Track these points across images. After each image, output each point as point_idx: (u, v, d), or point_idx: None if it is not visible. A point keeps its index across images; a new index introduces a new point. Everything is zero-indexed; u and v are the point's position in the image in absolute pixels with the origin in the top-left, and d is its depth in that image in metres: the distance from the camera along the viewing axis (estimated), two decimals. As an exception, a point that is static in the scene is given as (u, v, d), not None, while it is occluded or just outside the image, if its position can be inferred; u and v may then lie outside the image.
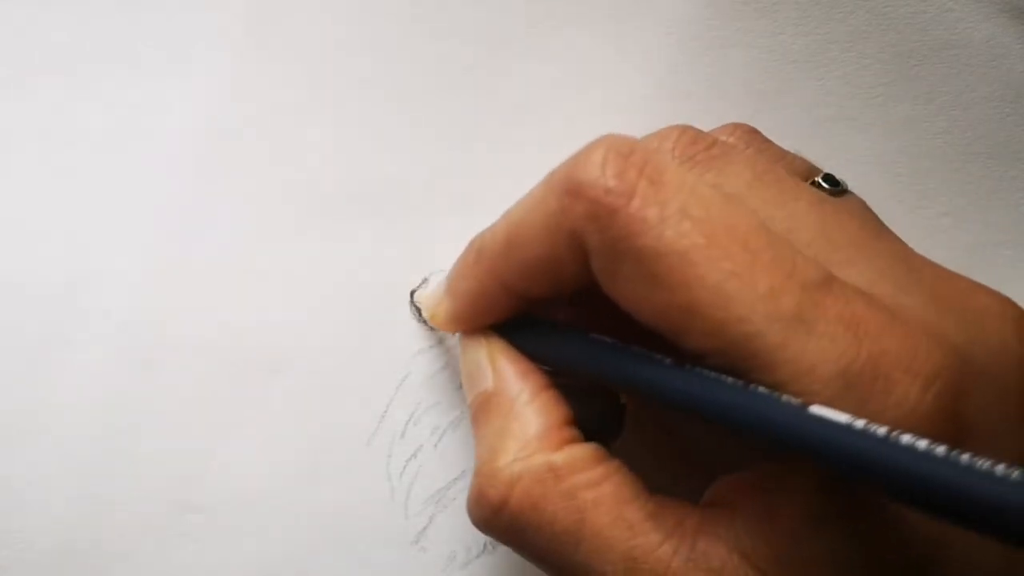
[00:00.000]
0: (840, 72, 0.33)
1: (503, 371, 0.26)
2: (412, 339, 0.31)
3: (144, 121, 0.31)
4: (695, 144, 0.26)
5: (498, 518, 0.24)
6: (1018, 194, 0.33)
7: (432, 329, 0.31)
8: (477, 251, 0.26)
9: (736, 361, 0.21)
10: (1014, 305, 0.24)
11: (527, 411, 0.25)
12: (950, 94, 0.33)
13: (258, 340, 0.31)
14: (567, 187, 0.22)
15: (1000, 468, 0.17)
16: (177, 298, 0.31)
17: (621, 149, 0.22)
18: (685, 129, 0.26)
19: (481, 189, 0.32)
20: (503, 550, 0.31)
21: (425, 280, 0.31)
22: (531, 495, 0.23)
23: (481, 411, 0.26)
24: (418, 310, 0.31)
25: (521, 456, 0.24)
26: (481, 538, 0.31)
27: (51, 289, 0.31)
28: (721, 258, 0.21)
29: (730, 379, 0.21)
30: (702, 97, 0.32)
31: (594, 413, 0.27)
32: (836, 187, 0.27)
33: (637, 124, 0.32)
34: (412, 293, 0.31)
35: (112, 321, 0.31)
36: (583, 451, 0.24)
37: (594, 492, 0.23)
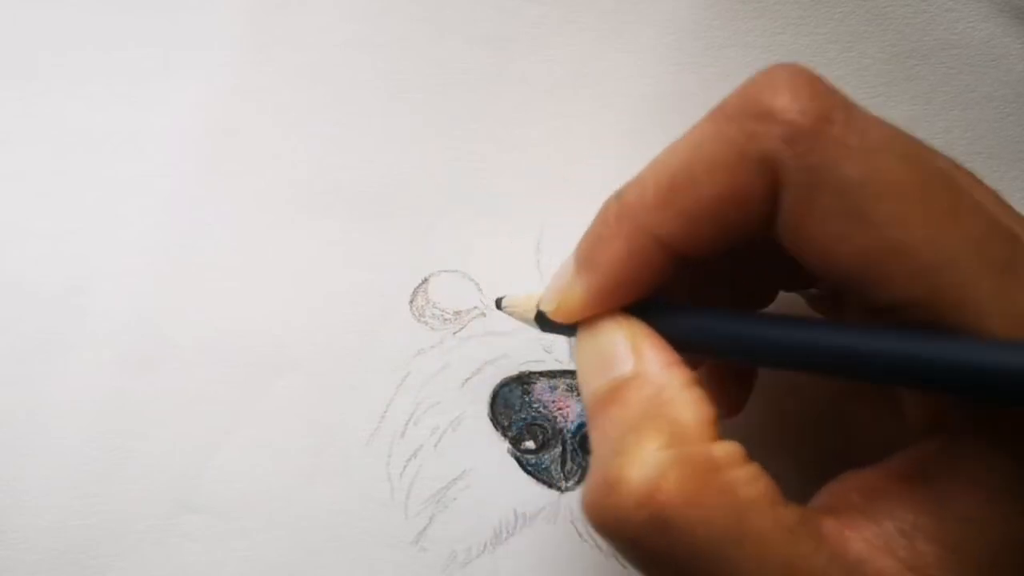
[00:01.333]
0: (840, 72, 0.33)
1: (647, 355, 0.22)
2: (412, 339, 0.31)
3: (146, 122, 0.31)
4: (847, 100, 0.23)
5: (638, 511, 0.20)
6: (1018, 194, 0.33)
7: (433, 328, 0.31)
8: (620, 207, 0.22)
9: (941, 310, 0.19)
10: None
11: (680, 400, 0.21)
12: (950, 94, 0.33)
13: (258, 341, 0.31)
14: (755, 112, 0.20)
15: None
16: (178, 299, 0.31)
17: (808, 79, 0.20)
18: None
19: (483, 189, 0.32)
20: (504, 551, 0.31)
21: (425, 280, 0.31)
22: (685, 488, 0.20)
23: (614, 398, 0.22)
24: (420, 311, 0.31)
25: (675, 443, 0.21)
26: (482, 538, 0.31)
27: (52, 290, 0.31)
28: (932, 198, 0.19)
29: (943, 333, 0.19)
30: (702, 97, 0.32)
31: None
32: None
33: (638, 123, 0.32)
34: (500, 301, 0.28)
35: (113, 322, 0.31)
36: (737, 448, 0.21)
37: (752, 489, 0.20)
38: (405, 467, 0.31)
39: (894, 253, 0.19)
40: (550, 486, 0.31)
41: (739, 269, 0.26)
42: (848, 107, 0.20)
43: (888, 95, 0.33)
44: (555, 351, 0.31)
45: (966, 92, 0.33)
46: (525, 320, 0.26)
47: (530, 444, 0.31)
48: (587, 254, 0.23)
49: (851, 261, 0.20)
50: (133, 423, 0.31)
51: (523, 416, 0.31)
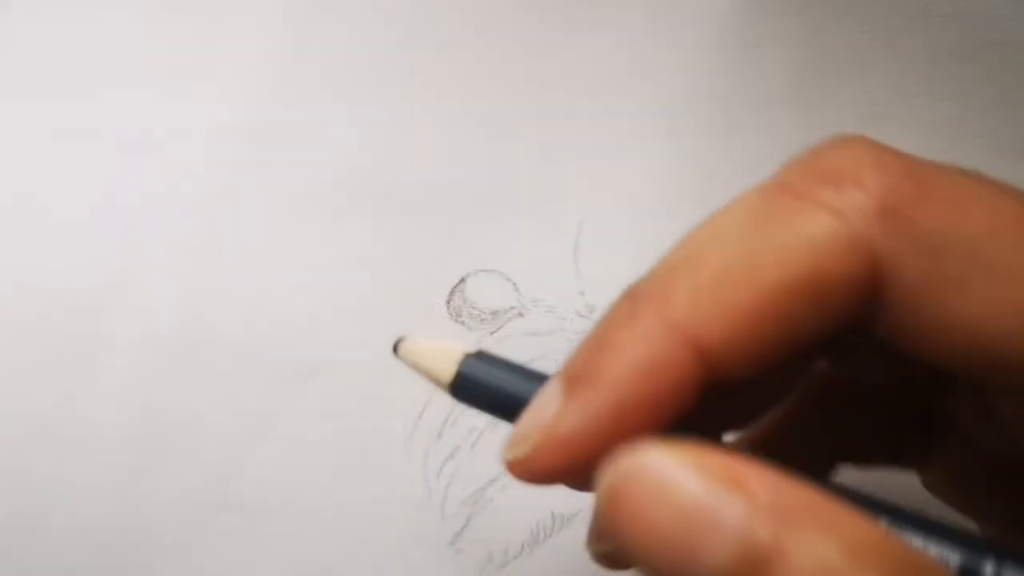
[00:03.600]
0: (882, 71, 0.32)
1: (773, 497, 0.14)
2: (450, 339, 0.31)
3: (184, 122, 0.32)
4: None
5: None
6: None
7: (470, 328, 0.31)
8: (635, 301, 0.16)
9: None
10: None
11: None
12: (993, 93, 0.33)
13: (294, 340, 0.31)
14: (837, 181, 0.16)
15: None
16: (213, 299, 0.31)
17: (876, 144, 0.17)
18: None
19: (521, 188, 0.32)
20: (542, 552, 0.31)
21: (463, 280, 0.31)
22: None
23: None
24: (457, 311, 0.31)
25: None
26: (519, 539, 0.31)
27: (88, 291, 0.31)
28: None
29: None
30: (741, 96, 0.32)
31: None
32: None
33: (677, 122, 0.31)
34: (396, 345, 0.22)
35: (149, 323, 0.31)
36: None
37: None
38: (442, 468, 0.31)
39: None
40: (588, 488, 0.30)
41: (801, 411, 0.20)
42: (924, 176, 0.17)
43: (931, 94, 0.33)
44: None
45: (1010, 91, 0.33)
46: (431, 378, 0.20)
47: (567, 445, 0.31)
48: (584, 366, 0.16)
49: (1004, 333, 0.15)
50: (169, 424, 0.31)
51: (560, 417, 0.31)
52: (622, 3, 0.32)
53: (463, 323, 0.31)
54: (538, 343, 0.31)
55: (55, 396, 0.31)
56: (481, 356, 0.19)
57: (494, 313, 0.31)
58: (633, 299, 0.16)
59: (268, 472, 0.31)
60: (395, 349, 0.21)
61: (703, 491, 0.14)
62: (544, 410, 0.16)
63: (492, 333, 0.31)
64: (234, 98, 0.32)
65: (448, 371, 0.19)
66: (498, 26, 0.32)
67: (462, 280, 0.31)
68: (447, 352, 0.19)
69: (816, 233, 0.16)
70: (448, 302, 0.31)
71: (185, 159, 0.32)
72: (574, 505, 0.31)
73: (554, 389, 0.17)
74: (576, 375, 0.16)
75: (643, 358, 0.16)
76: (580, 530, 0.31)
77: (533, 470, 0.16)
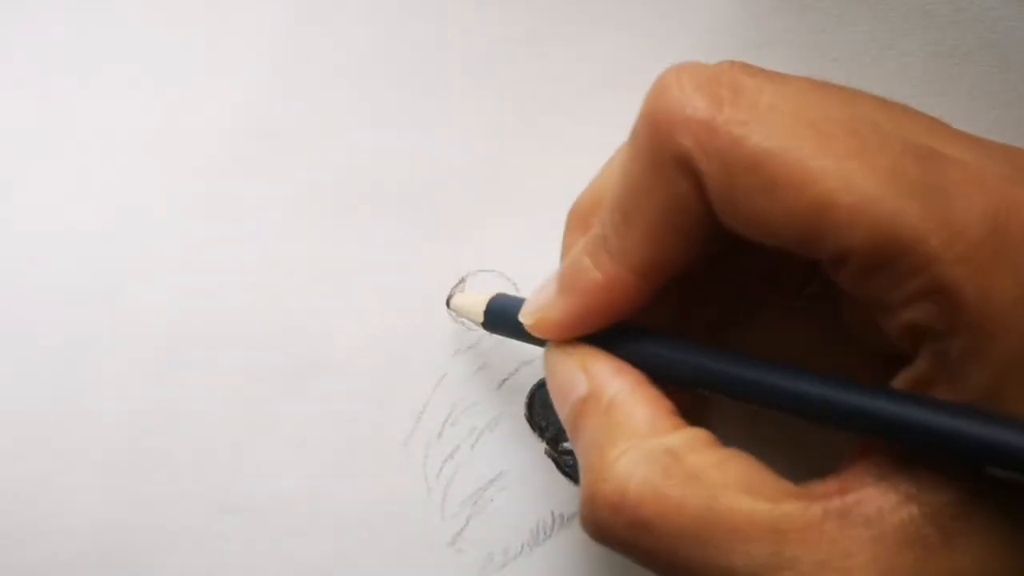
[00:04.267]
0: (881, 71, 0.32)
1: (597, 372, 0.24)
2: (450, 340, 0.31)
3: (183, 122, 0.32)
4: (750, 67, 0.24)
5: (618, 517, 0.21)
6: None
7: (470, 328, 0.31)
8: (594, 240, 0.24)
9: (883, 249, 0.19)
10: None
11: (630, 402, 0.23)
12: (993, 93, 0.33)
13: (295, 341, 0.31)
14: (655, 120, 0.21)
15: None
16: (213, 300, 0.31)
17: (693, 70, 0.22)
18: (734, 60, 0.25)
19: (520, 189, 0.32)
20: (542, 552, 0.31)
21: (462, 280, 0.31)
22: (651, 482, 0.21)
23: (579, 418, 0.24)
24: (456, 311, 0.31)
25: (632, 444, 0.22)
26: (519, 539, 0.31)
27: (88, 291, 0.31)
28: (833, 144, 0.20)
29: (846, 381, 0.20)
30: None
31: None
32: None
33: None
34: (449, 299, 0.31)
35: (149, 322, 0.31)
36: (699, 433, 0.22)
37: (720, 471, 0.21)
38: (442, 468, 0.31)
39: (818, 209, 0.20)
40: (588, 488, 0.31)
41: (721, 281, 0.26)
42: (735, 84, 0.21)
43: (929, 93, 0.33)
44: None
45: (1008, 91, 0.33)
46: (472, 320, 0.29)
47: (567, 445, 0.31)
48: (567, 281, 0.24)
49: (785, 230, 0.20)
50: (169, 424, 0.31)
51: (561, 417, 0.31)
52: (622, 3, 0.32)
53: (463, 323, 0.31)
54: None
55: (55, 396, 0.31)
56: (500, 296, 0.28)
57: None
58: (594, 240, 0.24)
59: (268, 472, 0.31)
60: (447, 302, 0.31)
61: (568, 369, 0.24)
62: (544, 298, 0.25)
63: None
64: (234, 98, 0.32)
65: (481, 311, 0.28)
66: (498, 26, 0.32)
67: (462, 280, 0.31)
68: (479, 299, 0.28)
69: (657, 166, 0.21)
70: (448, 299, 0.31)
71: (185, 159, 0.32)
72: (574, 506, 0.31)
73: (551, 285, 0.25)
74: (562, 283, 0.24)
75: (600, 283, 0.23)
76: (580, 530, 0.31)
77: (536, 330, 0.25)
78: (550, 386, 0.25)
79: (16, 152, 0.32)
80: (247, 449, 0.31)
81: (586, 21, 0.32)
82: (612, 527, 0.22)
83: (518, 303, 0.26)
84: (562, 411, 0.25)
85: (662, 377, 0.24)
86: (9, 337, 0.31)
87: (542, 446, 0.31)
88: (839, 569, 0.20)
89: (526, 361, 0.31)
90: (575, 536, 0.31)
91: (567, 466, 0.31)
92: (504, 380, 0.31)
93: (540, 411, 0.31)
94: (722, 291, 0.27)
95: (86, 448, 0.31)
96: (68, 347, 0.31)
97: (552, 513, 0.31)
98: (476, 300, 0.29)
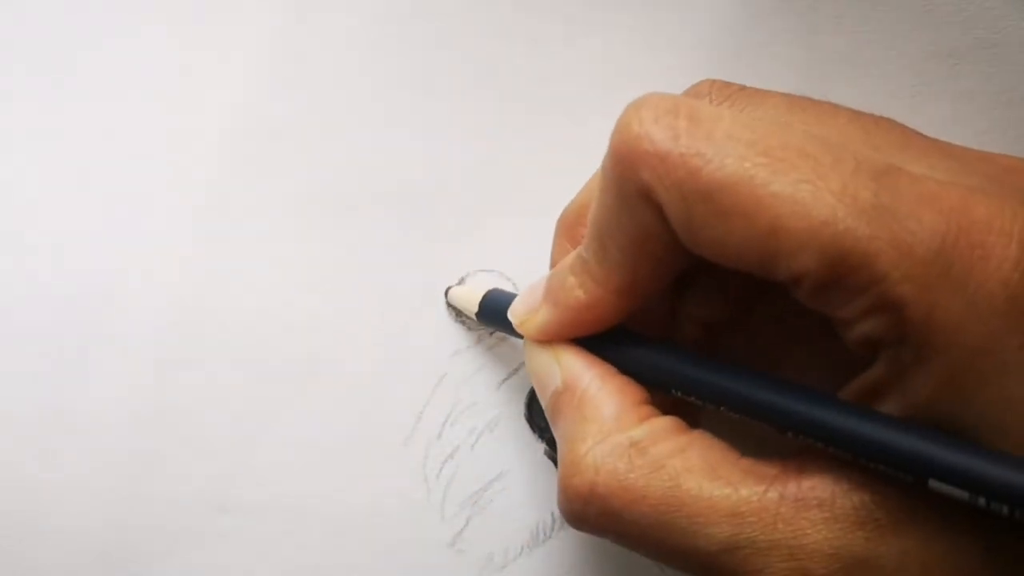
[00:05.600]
0: (879, 71, 0.33)
1: (570, 365, 0.25)
2: (449, 340, 0.31)
3: (180, 122, 0.32)
4: (727, 87, 0.26)
5: (589, 507, 0.23)
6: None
7: (470, 328, 0.31)
8: (577, 262, 0.25)
9: (834, 270, 0.20)
10: None
11: (599, 396, 0.24)
12: (991, 93, 0.33)
13: (293, 341, 0.31)
14: (617, 155, 0.22)
15: None
16: (212, 299, 0.31)
17: (652, 103, 0.22)
18: (713, 80, 0.27)
19: (520, 189, 0.32)
20: (541, 553, 0.31)
21: (462, 280, 0.31)
22: (617, 474, 0.23)
23: (555, 410, 0.25)
24: (455, 310, 0.31)
25: (599, 439, 0.23)
26: (519, 540, 0.31)
27: (85, 291, 0.31)
28: (785, 170, 0.20)
29: (812, 391, 0.22)
30: (741, 96, 0.32)
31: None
32: None
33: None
34: (447, 291, 0.31)
35: (146, 323, 0.31)
36: (663, 422, 0.24)
37: (682, 458, 0.23)
38: (441, 468, 0.31)
39: (770, 234, 0.20)
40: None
41: (708, 287, 0.27)
42: (692, 114, 0.22)
43: (928, 94, 0.33)
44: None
45: (1007, 91, 0.33)
46: (466, 312, 0.30)
47: (567, 446, 0.31)
48: (553, 295, 0.25)
49: (741, 255, 0.21)
50: (169, 424, 0.31)
51: (560, 417, 0.31)
52: (622, 3, 0.32)
53: (463, 323, 0.31)
54: (538, 343, 0.31)
55: (54, 396, 0.31)
56: (495, 291, 0.29)
57: (494, 313, 0.31)
58: (577, 260, 0.25)
59: (268, 472, 0.31)
60: (446, 294, 0.31)
61: (544, 363, 0.26)
62: (531, 302, 0.26)
63: (492, 333, 0.31)
64: (234, 98, 0.32)
65: (476, 303, 0.29)
66: (498, 26, 0.32)
67: (461, 280, 0.31)
68: (475, 292, 0.30)
69: (622, 198, 0.22)
70: (447, 291, 0.31)
71: (185, 159, 0.32)
72: (574, 505, 0.31)
73: (539, 289, 0.26)
74: (548, 293, 0.26)
75: (582, 302, 0.25)
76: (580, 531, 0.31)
77: (522, 331, 0.26)
78: (530, 376, 0.27)
79: (16, 152, 0.31)
80: (246, 449, 0.31)
81: (586, 21, 0.32)
82: (585, 517, 0.23)
83: (510, 299, 0.27)
84: (543, 403, 0.26)
85: (629, 375, 0.25)
86: (8, 337, 0.31)
87: (542, 446, 0.31)
88: (793, 547, 0.21)
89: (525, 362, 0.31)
90: (575, 537, 0.31)
91: (567, 466, 0.31)
92: (504, 380, 0.31)
93: (540, 411, 0.31)
94: (712, 296, 0.27)
95: (86, 448, 0.31)
96: (67, 347, 0.31)
97: (552, 514, 0.31)
98: (472, 292, 0.30)
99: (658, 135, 0.22)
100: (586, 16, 0.32)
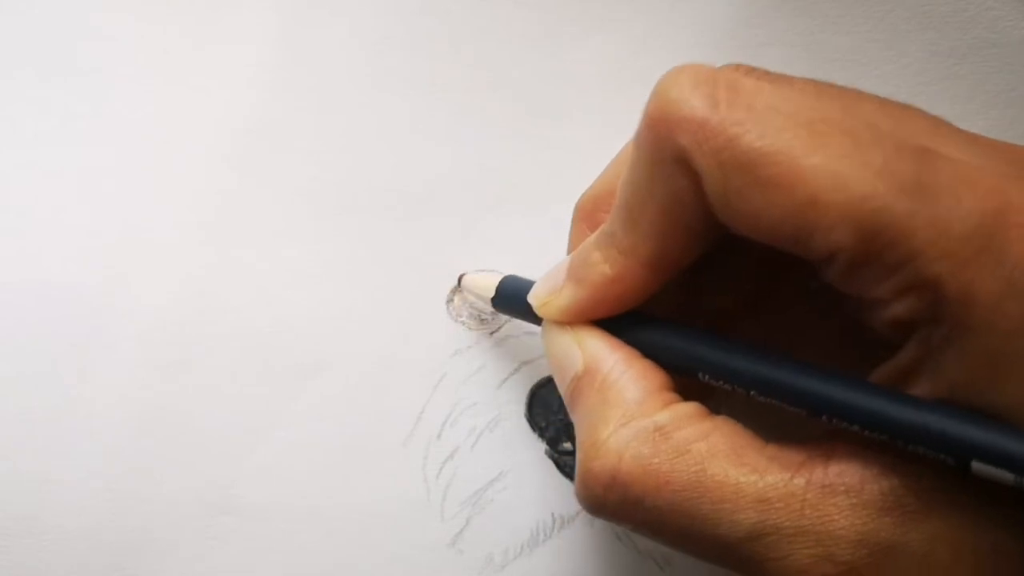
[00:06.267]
0: (879, 71, 0.33)
1: (592, 349, 0.25)
2: (449, 340, 0.31)
3: (182, 121, 0.32)
4: (754, 71, 0.25)
5: (610, 493, 0.23)
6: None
7: (470, 328, 0.31)
8: (602, 237, 0.25)
9: (870, 245, 0.20)
10: None
11: (623, 380, 0.24)
12: (990, 93, 0.33)
13: (293, 341, 0.31)
14: (655, 120, 0.22)
15: None
16: (213, 299, 0.31)
17: (691, 71, 0.22)
18: (738, 64, 0.26)
19: (520, 188, 0.32)
20: (541, 553, 0.31)
21: (462, 279, 0.31)
22: (640, 459, 0.22)
23: (576, 395, 0.25)
24: (456, 311, 0.31)
25: (623, 423, 0.23)
26: (519, 540, 0.31)
27: (86, 290, 0.31)
28: (826, 144, 0.20)
29: (838, 373, 0.22)
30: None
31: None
32: None
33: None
34: (461, 278, 0.31)
35: (146, 322, 0.31)
36: (687, 408, 0.23)
37: (707, 443, 0.22)
38: (441, 469, 0.31)
39: (808, 207, 0.20)
40: (588, 488, 0.30)
41: (730, 269, 0.27)
42: (732, 84, 0.22)
43: (928, 94, 0.33)
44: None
45: (1007, 91, 0.33)
46: (481, 298, 0.30)
47: (567, 445, 0.31)
48: (577, 273, 0.25)
49: (778, 227, 0.21)
50: (169, 424, 0.31)
51: (560, 417, 0.31)
52: (622, 3, 0.32)
53: (463, 323, 0.31)
54: (538, 343, 0.31)
55: (54, 396, 0.31)
56: (512, 277, 0.29)
57: (493, 313, 0.31)
58: (602, 234, 0.24)
59: (268, 473, 0.31)
60: (459, 281, 0.31)
61: (564, 346, 0.25)
62: (554, 283, 0.26)
63: (492, 333, 0.31)
64: (234, 98, 0.32)
65: (492, 289, 0.29)
66: (498, 26, 0.32)
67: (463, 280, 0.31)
68: (491, 278, 0.29)
69: (658, 165, 0.22)
70: (448, 302, 0.31)
71: (185, 160, 0.32)
72: (574, 507, 0.31)
73: (562, 271, 0.26)
74: (572, 272, 0.25)
75: (608, 276, 0.24)
76: (580, 531, 0.31)
77: (544, 313, 0.26)
78: (549, 361, 0.26)
79: (16, 151, 0.31)
80: (246, 450, 0.31)
81: (586, 21, 0.32)
82: (605, 503, 0.23)
83: (528, 285, 0.27)
84: (561, 387, 0.26)
85: (652, 359, 0.25)
86: (8, 337, 0.31)
87: (542, 446, 0.31)
88: (820, 533, 0.21)
89: (526, 361, 0.31)
90: (575, 537, 0.31)
91: (567, 466, 0.31)
92: (504, 380, 0.31)
93: (540, 411, 0.31)
94: (732, 279, 0.27)
95: (85, 448, 0.31)
96: (67, 347, 0.31)
97: (552, 514, 0.31)
98: (488, 278, 0.30)
99: (698, 102, 0.21)
100: (586, 16, 0.32)
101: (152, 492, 0.31)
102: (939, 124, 0.24)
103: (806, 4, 0.32)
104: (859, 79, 0.33)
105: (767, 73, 0.24)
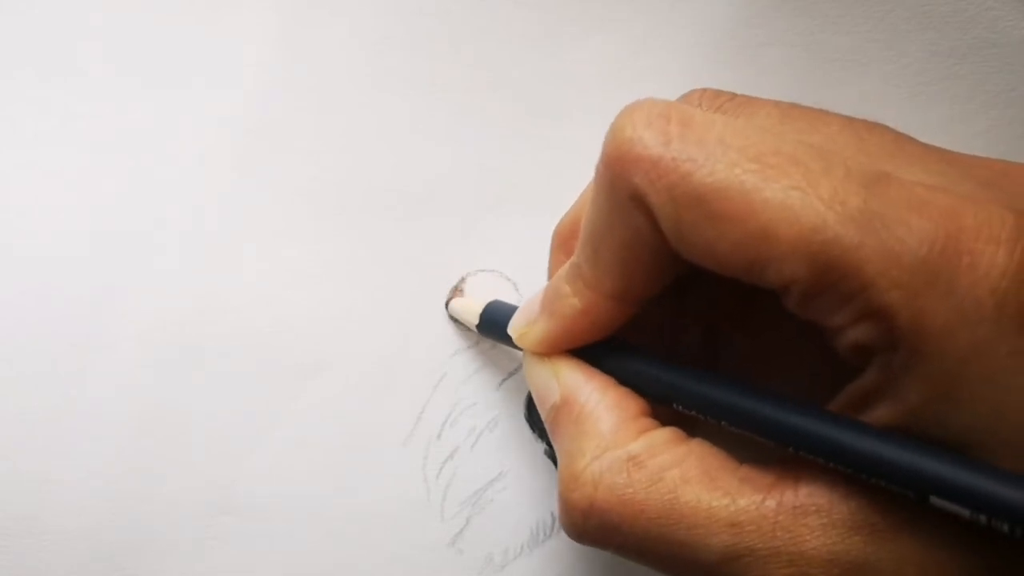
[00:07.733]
0: (879, 71, 0.33)
1: (568, 380, 0.25)
2: (449, 340, 0.31)
3: (180, 123, 0.32)
4: (719, 96, 0.26)
5: (588, 522, 0.23)
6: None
7: (470, 331, 0.31)
8: (573, 269, 0.25)
9: (822, 277, 0.20)
10: None
11: (598, 410, 0.24)
12: (990, 93, 0.33)
13: (293, 341, 0.31)
14: (610, 159, 0.22)
15: None
16: (213, 299, 0.31)
17: (645, 108, 0.22)
18: (705, 88, 0.27)
19: (520, 189, 0.32)
20: (541, 553, 0.31)
21: (462, 280, 0.31)
22: (615, 489, 0.23)
23: (555, 425, 0.25)
24: (454, 315, 0.31)
25: (598, 454, 0.24)
26: (519, 540, 0.31)
27: (86, 291, 0.31)
28: (776, 176, 0.21)
29: (807, 405, 0.22)
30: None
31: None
32: None
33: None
34: (447, 303, 0.31)
35: (146, 323, 0.31)
36: (661, 435, 0.24)
37: (680, 469, 0.23)
38: (441, 469, 0.31)
39: (760, 240, 0.20)
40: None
41: (704, 297, 0.27)
42: (685, 119, 0.22)
43: (928, 94, 0.33)
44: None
45: (1007, 91, 0.33)
46: (467, 324, 0.30)
47: (567, 446, 0.31)
48: (549, 305, 0.26)
49: (731, 260, 0.21)
50: (168, 424, 0.31)
51: (560, 417, 0.31)
52: (622, 3, 0.32)
53: (463, 325, 0.31)
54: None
55: (55, 397, 0.31)
56: (495, 303, 0.29)
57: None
58: (572, 268, 0.25)
59: (268, 473, 0.31)
60: (446, 306, 0.31)
61: (543, 377, 0.26)
62: (529, 314, 0.26)
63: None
64: (234, 99, 0.32)
65: (477, 316, 0.30)
66: (498, 26, 0.32)
67: (462, 280, 0.31)
68: (475, 304, 0.30)
69: (616, 202, 0.22)
70: (448, 303, 0.31)
71: (181, 162, 0.31)
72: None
73: (536, 306, 0.26)
74: (544, 305, 0.26)
75: (578, 309, 0.25)
76: (581, 544, 0.31)
77: (521, 344, 0.27)
78: (531, 389, 0.27)
79: (16, 151, 0.31)
80: (246, 450, 0.31)
81: (586, 21, 0.32)
82: (585, 531, 0.24)
83: (511, 310, 0.28)
84: (542, 415, 0.27)
85: (629, 386, 0.25)
86: (7, 337, 0.31)
87: (541, 446, 0.31)
88: (793, 554, 0.21)
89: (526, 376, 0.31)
90: (575, 537, 0.31)
91: (567, 467, 0.31)
92: (503, 380, 0.31)
93: (539, 412, 0.31)
94: (710, 304, 0.27)
95: (85, 448, 0.31)
96: (67, 347, 0.31)
97: (552, 514, 0.31)
98: (473, 305, 0.30)
99: (650, 139, 0.22)
100: (586, 16, 0.32)
101: (152, 492, 0.31)
102: (903, 143, 0.24)
103: (806, 4, 0.32)
104: (859, 79, 0.33)
105: (732, 98, 0.25)
